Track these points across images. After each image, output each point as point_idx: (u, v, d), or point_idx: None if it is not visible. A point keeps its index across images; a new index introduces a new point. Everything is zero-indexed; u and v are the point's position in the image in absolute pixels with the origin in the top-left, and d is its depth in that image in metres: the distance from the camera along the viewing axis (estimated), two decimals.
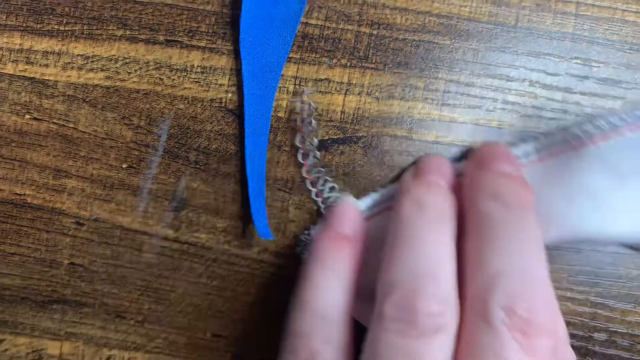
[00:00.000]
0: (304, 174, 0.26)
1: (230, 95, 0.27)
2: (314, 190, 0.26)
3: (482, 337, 0.19)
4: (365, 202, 0.26)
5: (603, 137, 0.26)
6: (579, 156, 0.26)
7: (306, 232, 0.26)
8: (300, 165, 0.26)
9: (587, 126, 0.26)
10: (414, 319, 0.19)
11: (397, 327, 0.19)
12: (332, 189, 0.26)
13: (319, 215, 0.27)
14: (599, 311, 0.28)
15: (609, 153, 0.26)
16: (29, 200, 0.27)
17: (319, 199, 0.26)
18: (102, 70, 0.27)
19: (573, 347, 0.28)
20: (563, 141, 0.26)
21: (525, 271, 0.20)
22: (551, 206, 0.26)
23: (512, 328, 0.19)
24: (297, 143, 0.26)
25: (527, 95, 0.28)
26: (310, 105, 0.26)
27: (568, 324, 0.28)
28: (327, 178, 0.26)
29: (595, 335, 0.28)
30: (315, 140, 0.26)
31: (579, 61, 0.28)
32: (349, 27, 0.28)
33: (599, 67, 0.28)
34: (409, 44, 0.28)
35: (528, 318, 0.19)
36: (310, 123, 0.26)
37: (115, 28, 0.27)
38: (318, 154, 0.26)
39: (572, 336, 0.28)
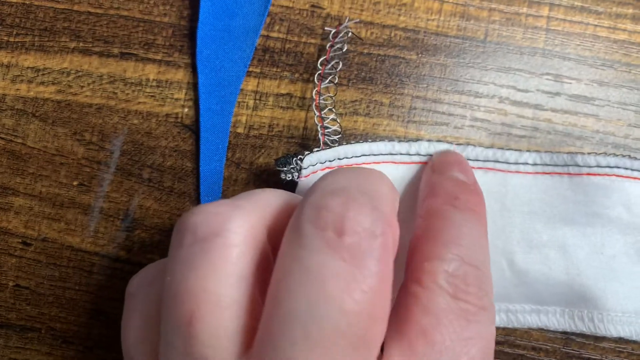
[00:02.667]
0: (314, 94, 0.25)
1: (186, 110, 0.27)
2: (317, 113, 0.25)
3: (288, 246, 0.18)
4: (315, 157, 0.25)
5: (597, 173, 0.26)
6: (570, 184, 0.26)
7: (299, 155, 0.24)
8: (314, 86, 0.25)
9: (589, 158, 0.26)
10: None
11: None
12: (334, 120, 0.25)
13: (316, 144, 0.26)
14: (572, 337, 0.27)
15: (594, 190, 0.26)
16: None
17: (319, 124, 0.25)
18: (53, 83, 0.27)
19: None
20: (562, 164, 0.26)
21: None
22: (524, 223, 0.26)
23: (320, 226, 0.17)
24: (319, 65, 0.25)
25: (497, 112, 0.27)
26: (349, 32, 0.25)
27: (539, 350, 0.27)
28: (333, 109, 0.26)
29: None
30: (340, 65, 0.25)
31: (550, 77, 0.28)
32: (312, 40, 0.27)
33: (570, 83, 0.28)
34: (374, 59, 0.27)
35: (341, 213, 0.17)
36: (341, 49, 0.25)
37: (67, 40, 0.27)
38: (336, 79, 0.25)
39: None
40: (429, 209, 0.23)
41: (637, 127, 0.28)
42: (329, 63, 0.25)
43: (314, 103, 0.25)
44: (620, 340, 0.27)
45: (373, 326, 0.17)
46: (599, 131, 0.28)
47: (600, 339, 0.27)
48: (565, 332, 0.27)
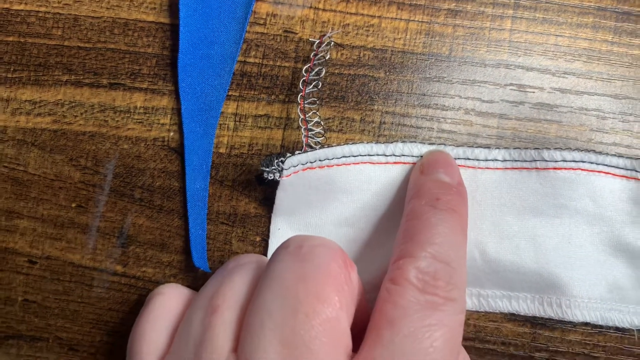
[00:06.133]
0: (299, 99, 0.28)
1: (172, 134, 0.30)
2: (301, 116, 0.28)
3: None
4: (296, 159, 0.27)
5: (563, 167, 0.28)
6: (538, 178, 0.28)
7: (281, 157, 0.27)
8: (299, 92, 0.28)
9: (555, 153, 0.28)
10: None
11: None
12: (317, 123, 0.28)
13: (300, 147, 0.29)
14: (540, 331, 0.30)
15: (561, 183, 0.28)
16: None
17: (303, 127, 0.28)
18: (49, 114, 0.30)
19: None
20: (530, 160, 0.28)
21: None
22: (495, 215, 0.29)
23: (284, 246, 0.24)
24: (303, 71, 0.28)
25: (463, 124, 0.30)
26: (331, 43, 0.28)
27: (509, 344, 0.30)
28: (317, 113, 0.29)
29: (537, 355, 0.30)
30: (323, 71, 0.29)
31: (513, 87, 0.30)
32: (286, 64, 0.30)
33: (533, 92, 0.30)
34: (345, 78, 0.30)
35: (302, 239, 0.24)
36: (324, 57, 0.28)
37: (60, 73, 0.30)
38: (320, 84, 0.29)
39: (513, 357, 0.30)
40: (411, 210, 0.26)
41: (599, 132, 0.30)
42: (313, 70, 0.28)
43: (299, 107, 0.28)
44: (585, 333, 0.30)
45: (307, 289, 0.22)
46: (562, 137, 0.30)
47: (567, 332, 0.30)
48: (533, 327, 0.30)
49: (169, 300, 0.27)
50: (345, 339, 0.22)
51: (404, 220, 0.26)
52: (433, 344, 0.22)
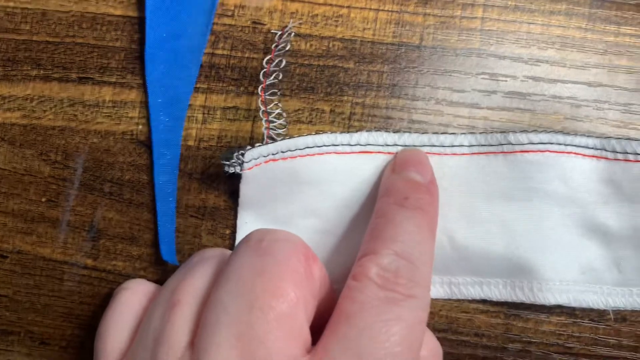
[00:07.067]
0: (259, 91, 0.28)
1: (140, 127, 0.30)
2: (262, 108, 0.28)
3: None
4: (257, 151, 0.27)
5: (531, 150, 0.28)
6: (505, 161, 0.28)
7: (241, 150, 0.27)
8: (260, 83, 0.28)
9: (521, 136, 0.28)
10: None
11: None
12: (279, 115, 0.28)
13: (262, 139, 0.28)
14: (513, 322, 0.30)
15: (529, 166, 0.28)
16: None
17: (264, 119, 0.28)
18: (18, 109, 0.30)
19: (486, 358, 0.30)
20: (496, 144, 0.28)
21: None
22: (463, 202, 0.29)
23: (245, 240, 0.24)
24: (264, 63, 0.28)
25: (434, 114, 0.30)
26: (291, 34, 0.28)
27: (482, 335, 0.30)
28: (279, 104, 0.29)
29: (510, 346, 0.30)
30: (283, 62, 0.29)
31: (485, 76, 0.30)
32: (255, 55, 0.30)
33: (506, 81, 0.30)
34: (314, 69, 0.30)
35: (263, 233, 0.24)
36: (284, 48, 0.28)
37: (29, 68, 0.30)
38: (280, 76, 0.29)
39: (486, 348, 0.30)
40: (379, 208, 0.26)
41: (573, 120, 0.30)
42: (274, 62, 0.28)
43: (259, 99, 0.28)
44: (559, 324, 0.30)
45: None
46: (536, 125, 0.30)
47: (541, 323, 0.30)
48: (506, 318, 0.30)
49: (133, 296, 0.27)
50: (302, 334, 0.22)
51: (372, 219, 0.26)
52: (390, 338, 0.22)
